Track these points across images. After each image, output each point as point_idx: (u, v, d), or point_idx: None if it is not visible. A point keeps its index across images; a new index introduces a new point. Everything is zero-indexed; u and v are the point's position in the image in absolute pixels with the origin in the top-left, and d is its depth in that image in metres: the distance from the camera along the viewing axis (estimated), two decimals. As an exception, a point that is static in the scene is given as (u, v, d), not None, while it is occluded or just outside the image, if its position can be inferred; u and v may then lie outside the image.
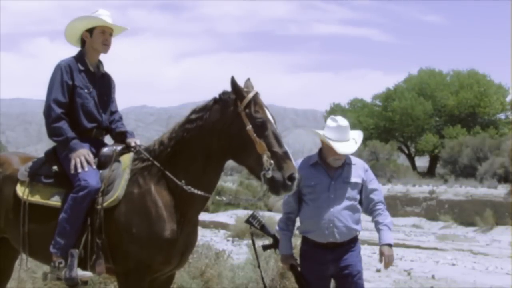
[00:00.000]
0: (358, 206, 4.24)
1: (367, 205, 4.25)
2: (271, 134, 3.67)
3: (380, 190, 4.35)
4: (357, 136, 4.26)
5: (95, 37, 4.12)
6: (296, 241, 4.62)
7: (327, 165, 4.22)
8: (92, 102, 4.12)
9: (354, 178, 4.20)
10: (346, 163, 4.23)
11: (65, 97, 4.00)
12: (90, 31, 4.12)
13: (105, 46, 4.16)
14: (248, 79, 3.88)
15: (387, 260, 4.12)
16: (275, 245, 4.32)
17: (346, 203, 4.15)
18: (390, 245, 4.15)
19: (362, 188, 4.24)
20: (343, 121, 4.19)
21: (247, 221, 4.28)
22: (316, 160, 4.26)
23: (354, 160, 4.31)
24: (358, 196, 4.23)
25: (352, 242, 4.21)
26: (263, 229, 4.27)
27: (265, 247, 4.40)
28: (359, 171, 4.24)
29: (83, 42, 4.18)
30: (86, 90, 4.09)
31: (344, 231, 4.13)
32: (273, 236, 4.32)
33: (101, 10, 4.15)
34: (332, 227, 4.11)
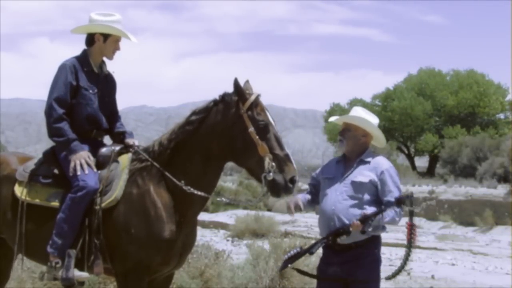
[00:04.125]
0: (368, 206, 3.96)
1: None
2: (272, 136, 3.71)
3: (395, 192, 4.00)
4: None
5: (108, 44, 4.11)
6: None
7: (348, 163, 4.13)
8: (96, 103, 4.11)
9: (361, 177, 4.01)
10: (360, 160, 4.09)
11: (68, 97, 3.99)
12: (105, 35, 4.09)
13: (114, 54, 4.16)
14: (247, 81, 3.88)
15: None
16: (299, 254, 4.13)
17: (350, 202, 3.98)
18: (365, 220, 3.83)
19: (376, 189, 4.02)
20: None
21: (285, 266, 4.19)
22: (340, 158, 4.22)
23: (373, 159, 4.10)
24: (367, 196, 4.00)
25: (362, 247, 3.99)
26: (299, 255, 4.11)
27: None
28: (372, 171, 4.03)
29: (92, 42, 4.14)
30: (90, 91, 4.08)
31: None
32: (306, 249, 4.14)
33: (117, 15, 4.12)
34: (333, 225, 3.98)
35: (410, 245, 3.89)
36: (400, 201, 3.88)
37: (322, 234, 4.12)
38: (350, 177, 4.06)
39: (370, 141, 4.22)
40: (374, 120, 4.20)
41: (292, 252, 4.13)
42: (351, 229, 3.85)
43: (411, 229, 3.89)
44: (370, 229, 3.84)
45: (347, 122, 4.18)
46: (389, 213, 3.94)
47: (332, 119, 4.44)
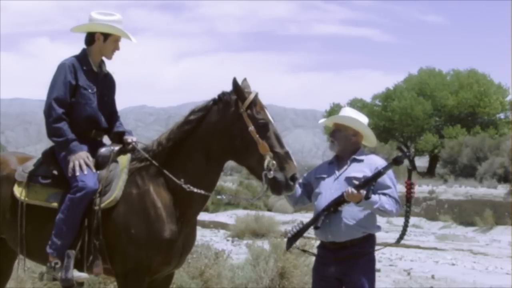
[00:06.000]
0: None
1: None
2: (272, 134, 3.72)
3: (392, 188, 4.01)
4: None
5: (108, 44, 4.08)
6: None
7: (340, 163, 4.13)
8: (95, 103, 4.09)
9: (355, 173, 3.99)
10: (354, 158, 4.10)
11: (67, 96, 3.97)
12: (105, 34, 4.07)
13: (113, 54, 4.14)
14: (245, 79, 3.89)
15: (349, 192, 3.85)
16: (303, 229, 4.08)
17: None
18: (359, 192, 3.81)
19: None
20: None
21: (290, 246, 4.17)
22: (332, 160, 4.22)
23: (366, 157, 4.13)
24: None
25: (358, 246, 3.99)
26: (302, 231, 4.07)
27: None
28: (366, 167, 4.02)
29: (91, 41, 4.12)
30: (89, 91, 4.07)
31: (342, 229, 3.95)
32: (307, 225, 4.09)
33: (118, 14, 4.10)
34: (328, 223, 3.97)
35: (409, 203, 3.92)
36: (397, 161, 3.89)
37: (317, 234, 4.13)
38: (344, 174, 4.07)
39: (361, 140, 4.24)
40: (363, 119, 4.21)
41: (294, 229, 4.09)
42: (346, 198, 3.84)
43: (410, 187, 3.93)
44: (371, 196, 3.81)
45: (337, 122, 4.20)
46: (390, 203, 3.94)
47: (322, 120, 4.48)
